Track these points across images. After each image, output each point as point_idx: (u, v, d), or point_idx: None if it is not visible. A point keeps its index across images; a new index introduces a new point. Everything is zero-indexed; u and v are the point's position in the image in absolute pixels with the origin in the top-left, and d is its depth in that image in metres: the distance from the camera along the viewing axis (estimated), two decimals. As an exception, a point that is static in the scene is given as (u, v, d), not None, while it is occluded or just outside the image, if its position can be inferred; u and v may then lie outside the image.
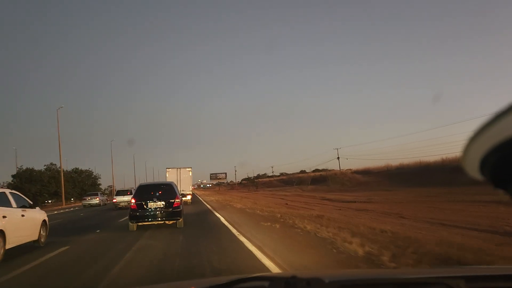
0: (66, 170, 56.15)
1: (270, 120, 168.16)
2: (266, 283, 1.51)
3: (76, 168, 59.57)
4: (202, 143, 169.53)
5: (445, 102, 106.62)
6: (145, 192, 11.94)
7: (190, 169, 28.90)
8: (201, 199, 34.72)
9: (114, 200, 30.01)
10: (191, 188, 30.44)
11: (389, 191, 31.26)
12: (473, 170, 0.83)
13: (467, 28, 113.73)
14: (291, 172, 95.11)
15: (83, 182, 56.78)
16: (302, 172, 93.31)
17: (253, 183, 73.19)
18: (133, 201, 11.60)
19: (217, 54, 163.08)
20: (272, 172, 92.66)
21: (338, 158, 65.93)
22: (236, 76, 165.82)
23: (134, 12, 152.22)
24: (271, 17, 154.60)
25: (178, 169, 28.68)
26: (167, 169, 29.12)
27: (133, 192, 23.85)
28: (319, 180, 63.40)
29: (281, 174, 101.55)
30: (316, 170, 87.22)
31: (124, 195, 29.92)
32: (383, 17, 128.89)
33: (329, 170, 76.76)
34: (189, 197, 27.98)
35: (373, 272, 3.34)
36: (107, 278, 5.56)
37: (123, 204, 28.43)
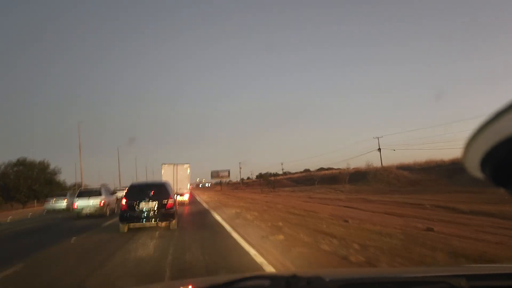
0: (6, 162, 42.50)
1: (272, 119, 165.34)
2: (267, 282, 1.50)
3: (22, 158, 42.83)
4: (201, 141, 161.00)
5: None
6: (136, 192, 11.64)
7: (188, 165, 26.44)
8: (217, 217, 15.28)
9: (74, 205, 19.50)
10: (189, 186, 27.15)
11: (473, 193, 20.58)
12: (474, 168, 0.82)
13: None
14: (294, 171, 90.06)
15: (33, 179, 41.10)
16: (306, 170, 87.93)
17: (268, 182, 59.37)
18: (124, 201, 11.35)
19: (223, 55, 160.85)
20: (282, 169, 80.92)
21: (380, 149, 52.78)
22: (239, 76, 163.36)
23: (142, 15, 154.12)
24: (277, 20, 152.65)
25: (175, 165, 26.03)
26: (163, 165, 26.31)
27: (103, 191, 19.61)
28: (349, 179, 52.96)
29: (284, 173, 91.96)
30: (322, 169, 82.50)
31: (89, 196, 19.85)
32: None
33: (336, 169, 69.34)
34: (186, 197, 25.78)
35: (374, 271, 3.26)
36: None
37: (88, 210, 19.55)
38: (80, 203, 19.58)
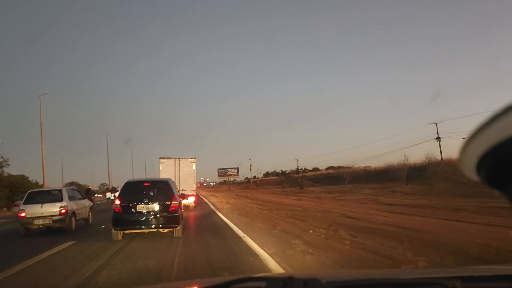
0: None
1: (276, 118, 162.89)
2: (263, 284, 1.49)
3: None
4: (202, 139, 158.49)
5: None
6: (133, 191, 10.38)
7: (193, 159, 21.64)
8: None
9: (21, 214, 13.08)
10: (194, 186, 21.91)
11: None
12: (469, 170, 0.84)
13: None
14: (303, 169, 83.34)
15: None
16: (315, 169, 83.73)
17: (294, 181, 47.58)
18: (117, 202, 10.03)
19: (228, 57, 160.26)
20: (298, 166, 71.80)
21: (439, 138, 42.65)
22: (243, 76, 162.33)
23: (148, 16, 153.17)
24: (296, 18, 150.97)
25: (177, 160, 21.30)
26: (161, 160, 21.43)
27: (65, 193, 14.28)
28: (380, 177, 45.10)
29: (301, 170, 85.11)
30: (331, 167, 79.52)
31: (43, 202, 13.67)
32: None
33: (343, 167, 64.08)
34: (191, 200, 20.68)
35: (370, 272, 3.28)
36: None
37: (42, 222, 13.31)
38: (30, 210, 13.26)
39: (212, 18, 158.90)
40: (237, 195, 41.01)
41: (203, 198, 35.68)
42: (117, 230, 9.86)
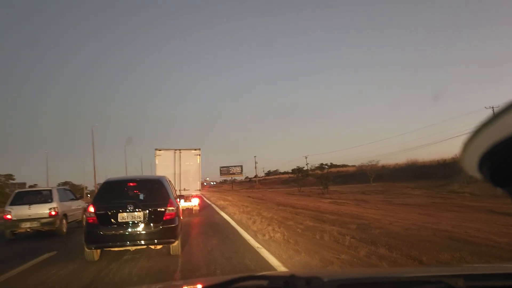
0: None
1: (276, 118, 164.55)
2: (265, 282, 1.51)
3: None
4: (201, 138, 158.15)
5: None
6: (114, 193, 8.28)
7: (198, 151, 18.33)
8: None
9: (6, 216, 12.08)
10: (199, 185, 18.48)
11: None
12: (471, 168, 0.84)
13: None
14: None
15: None
16: (319, 167, 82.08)
17: (321, 180, 40.41)
18: (92, 209, 7.70)
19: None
20: (307, 164, 67.57)
21: None
22: (243, 77, 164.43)
23: (152, 16, 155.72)
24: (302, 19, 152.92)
25: (177, 152, 17.98)
26: (157, 152, 17.99)
27: (56, 193, 12.96)
28: (406, 174, 42.49)
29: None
30: (334, 166, 77.36)
31: (31, 203, 12.83)
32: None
33: (351, 166, 62.83)
34: (195, 202, 17.79)
35: (372, 271, 3.30)
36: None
37: (29, 225, 12.36)
38: (16, 213, 12.31)
39: (215, 18, 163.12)
40: (249, 197, 36.63)
41: (208, 201, 29.73)
42: (92, 248, 7.71)
